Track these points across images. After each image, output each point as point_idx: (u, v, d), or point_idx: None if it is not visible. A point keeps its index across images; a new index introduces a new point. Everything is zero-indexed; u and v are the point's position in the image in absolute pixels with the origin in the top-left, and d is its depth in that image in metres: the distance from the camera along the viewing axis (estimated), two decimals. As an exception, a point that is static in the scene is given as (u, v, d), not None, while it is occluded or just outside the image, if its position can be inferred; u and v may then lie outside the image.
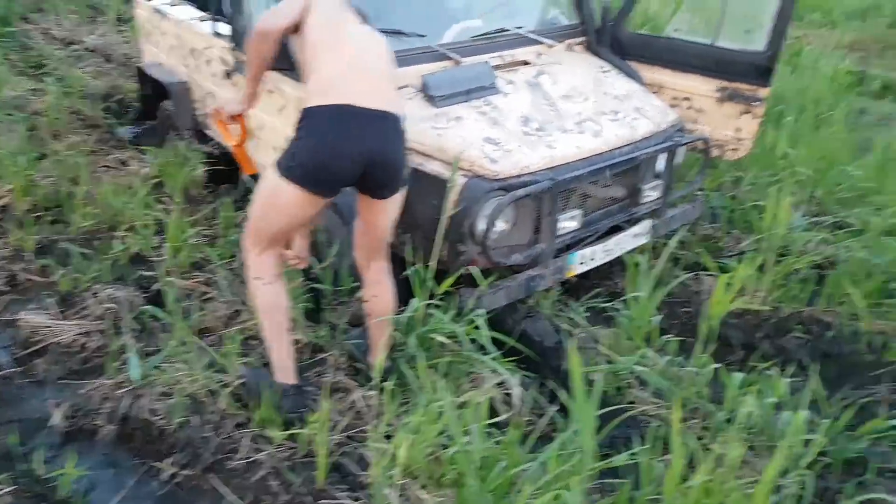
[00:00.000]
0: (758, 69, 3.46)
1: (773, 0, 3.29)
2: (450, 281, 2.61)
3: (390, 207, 2.44)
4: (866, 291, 3.27)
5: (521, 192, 2.67)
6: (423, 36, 3.13)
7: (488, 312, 2.79)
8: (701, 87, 3.64)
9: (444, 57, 3.15)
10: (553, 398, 2.65)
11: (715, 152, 3.71)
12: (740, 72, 3.51)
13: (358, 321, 2.81)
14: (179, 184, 3.71)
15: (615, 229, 3.19)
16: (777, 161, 4.61)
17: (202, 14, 4.02)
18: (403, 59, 3.05)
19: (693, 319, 3.25)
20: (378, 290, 2.56)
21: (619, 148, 3.03)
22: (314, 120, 2.24)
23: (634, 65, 3.72)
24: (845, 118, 5.46)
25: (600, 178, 2.96)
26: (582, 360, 2.83)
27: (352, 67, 2.30)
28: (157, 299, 3.02)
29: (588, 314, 3.08)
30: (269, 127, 3.35)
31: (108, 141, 4.52)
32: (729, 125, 3.62)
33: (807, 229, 3.90)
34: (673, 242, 2.94)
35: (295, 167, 2.24)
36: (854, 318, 3.22)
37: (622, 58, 3.73)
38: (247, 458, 2.25)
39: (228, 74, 3.62)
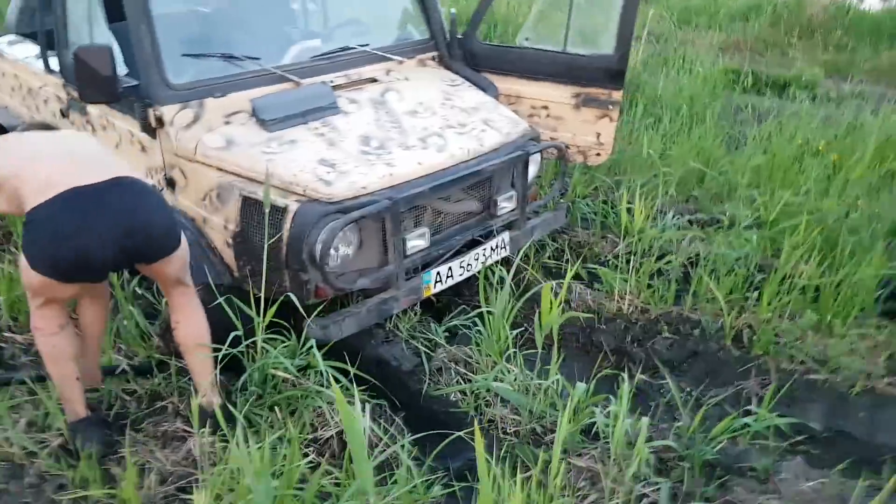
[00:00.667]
0: (609, 73, 3.46)
1: (617, 4, 3.31)
2: (272, 311, 2.46)
3: (174, 259, 2.25)
4: (729, 286, 3.27)
5: (356, 213, 2.55)
6: (256, 59, 2.99)
7: (341, 340, 2.67)
8: (557, 95, 3.62)
9: (281, 79, 3.02)
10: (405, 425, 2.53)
11: (578, 158, 3.70)
12: (593, 77, 3.50)
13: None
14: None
15: (474, 244, 3.11)
16: (654, 162, 4.64)
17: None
18: (237, 83, 2.93)
19: (562, 330, 3.19)
20: (181, 315, 2.39)
21: (464, 162, 2.94)
22: (41, 219, 2.00)
23: (490, 76, 3.68)
24: (721, 115, 5.58)
25: (445, 193, 2.87)
26: (441, 381, 2.77)
27: (61, 160, 2.13)
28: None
29: (448, 334, 2.97)
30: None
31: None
32: (589, 130, 3.61)
33: (682, 228, 3.91)
34: (520, 254, 2.86)
35: (41, 264, 2.03)
36: (720, 315, 3.21)
37: (476, 70, 3.69)
38: (67, 522, 2.05)
39: (63, 113, 3.42)
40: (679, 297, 3.37)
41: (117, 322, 2.88)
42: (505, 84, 3.69)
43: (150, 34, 2.73)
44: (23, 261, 2.08)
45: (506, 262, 3.17)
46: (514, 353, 2.65)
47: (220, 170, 2.71)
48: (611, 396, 2.46)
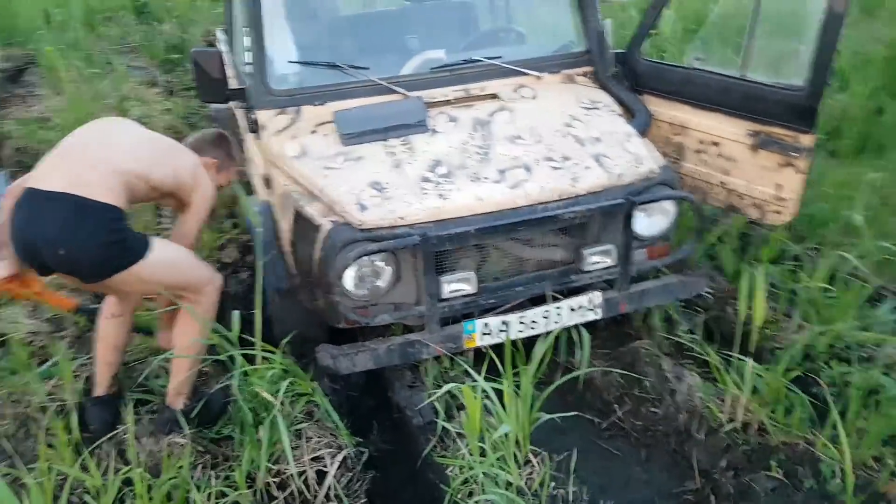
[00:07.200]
0: (795, 110, 2.63)
1: (814, 25, 2.49)
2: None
3: (117, 282, 2.22)
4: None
5: (373, 246, 2.36)
6: (363, 69, 2.91)
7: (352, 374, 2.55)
8: (730, 131, 2.88)
9: (386, 90, 2.91)
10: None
11: (752, 213, 2.92)
12: (774, 113, 2.71)
13: None
14: None
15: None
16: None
17: None
18: (339, 92, 2.90)
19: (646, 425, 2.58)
20: (178, 316, 2.49)
21: (541, 203, 2.51)
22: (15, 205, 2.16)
23: (655, 100, 3.07)
24: None
25: (496, 237, 2.50)
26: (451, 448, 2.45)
27: (60, 155, 2.20)
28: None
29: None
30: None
31: None
32: (767, 180, 2.81)
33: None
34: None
35: None
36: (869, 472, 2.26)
37: (637, 91, 3.10)
38: None
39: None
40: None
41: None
42: (671, 111, 3.05)
43: (258, 40, 2.83)
44: None
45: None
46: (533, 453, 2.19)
47: (291, 178, 2.73)
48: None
